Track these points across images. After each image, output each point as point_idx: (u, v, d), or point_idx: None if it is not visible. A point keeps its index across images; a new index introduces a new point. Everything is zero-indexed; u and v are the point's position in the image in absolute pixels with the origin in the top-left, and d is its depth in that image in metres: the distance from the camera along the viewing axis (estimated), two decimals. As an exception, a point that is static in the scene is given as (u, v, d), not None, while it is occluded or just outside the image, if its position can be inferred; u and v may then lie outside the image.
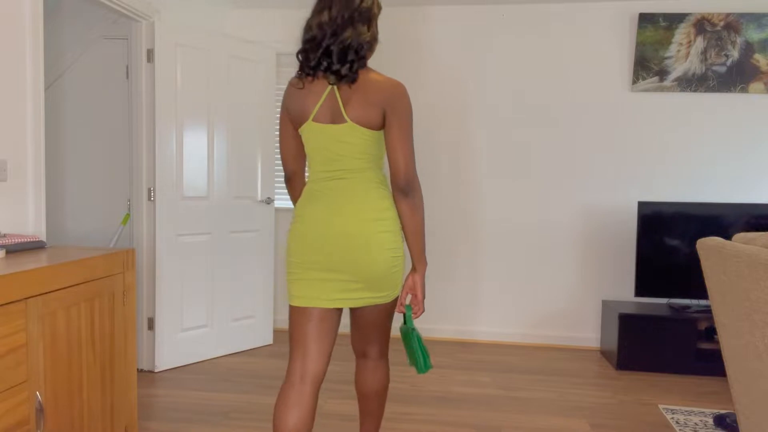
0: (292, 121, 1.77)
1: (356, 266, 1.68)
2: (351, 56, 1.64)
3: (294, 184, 1.89)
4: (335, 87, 1.66)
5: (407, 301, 1.93)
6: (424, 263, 1.77)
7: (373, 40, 1.71)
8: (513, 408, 2.87)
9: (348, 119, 1.65)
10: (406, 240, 1.75)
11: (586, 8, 3.83)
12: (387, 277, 1.71)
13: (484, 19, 3.92)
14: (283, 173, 1.90)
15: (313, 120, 1.69)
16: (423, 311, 1.79)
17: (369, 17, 1.70)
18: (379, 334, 1.87)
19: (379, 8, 1.75)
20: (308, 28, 1.70)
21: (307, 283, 1.72)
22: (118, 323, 2.15)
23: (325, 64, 1.66)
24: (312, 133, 1.70)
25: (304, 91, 1.70)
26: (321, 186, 1.73)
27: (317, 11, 1.69)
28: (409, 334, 1.80)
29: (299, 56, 1.72)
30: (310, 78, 1.70)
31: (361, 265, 1.67)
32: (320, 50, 1.65)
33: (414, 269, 1.77)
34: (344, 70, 1.64)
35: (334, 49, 1.64)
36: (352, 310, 1.83)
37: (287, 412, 1.67)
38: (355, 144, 1.68)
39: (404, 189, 1.68)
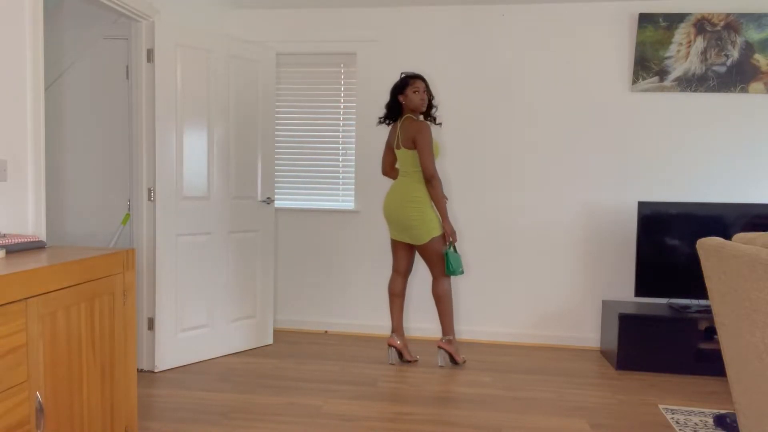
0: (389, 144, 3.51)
1: (399, 220, 3.33)
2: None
3: (390, 175, 3.58)
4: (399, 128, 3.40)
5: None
6: (446, 217, 3.30)
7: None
8: (513, 408, 2.87)
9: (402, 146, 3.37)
10: (435, 205, 3.31)
11: (586, 8, 3.83)
12: (410, 228, 3.30)
13: (484, 19, 3.92)
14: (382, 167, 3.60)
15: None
16: (456, 239, 3.34)
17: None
18: (432, 263, 3.36)
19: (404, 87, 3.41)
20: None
21: (390, 227, 3.43)
22: (118, 323, 2.16)
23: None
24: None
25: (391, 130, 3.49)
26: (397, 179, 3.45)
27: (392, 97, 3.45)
28: (450, 254, 3.31)
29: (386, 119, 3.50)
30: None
31: (400, 220, 3.32)
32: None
33: (442, 220, 3.31)
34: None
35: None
36: (419, 246, 3.36)
37: (394, 284, 3.51)
38: (405, 159, 3.36)
39: (428, 179, 3.25)
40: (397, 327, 3.50)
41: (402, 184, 3.35)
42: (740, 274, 1.49)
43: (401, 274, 3.51)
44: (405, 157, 3.33)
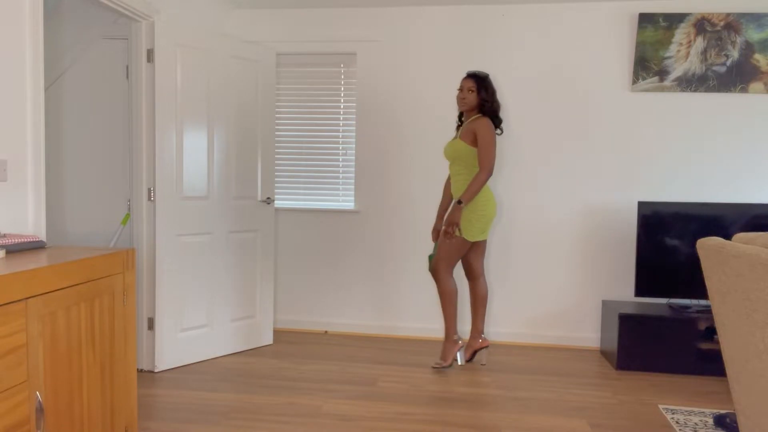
0: None
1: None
2: None
3: None
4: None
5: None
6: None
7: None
8: (513, 408, 2.87)
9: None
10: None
11: (586, 8, 3.83)
12: None
13: (484, 19, 3.92)
14: (491, 172, 3.24)
15: None
16: None
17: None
18: (483, 256, 3.50)
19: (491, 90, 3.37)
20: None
21: (488, 228, 3.36)
22: (118, 323, 2.16)
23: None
24: None
25: None
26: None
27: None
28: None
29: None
30: None
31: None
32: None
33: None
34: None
35: None
36: (479, 244, 3.42)
37: (453, 283, 3.39)
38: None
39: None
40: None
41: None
42: (740, 274, 1.49)
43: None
44: None
